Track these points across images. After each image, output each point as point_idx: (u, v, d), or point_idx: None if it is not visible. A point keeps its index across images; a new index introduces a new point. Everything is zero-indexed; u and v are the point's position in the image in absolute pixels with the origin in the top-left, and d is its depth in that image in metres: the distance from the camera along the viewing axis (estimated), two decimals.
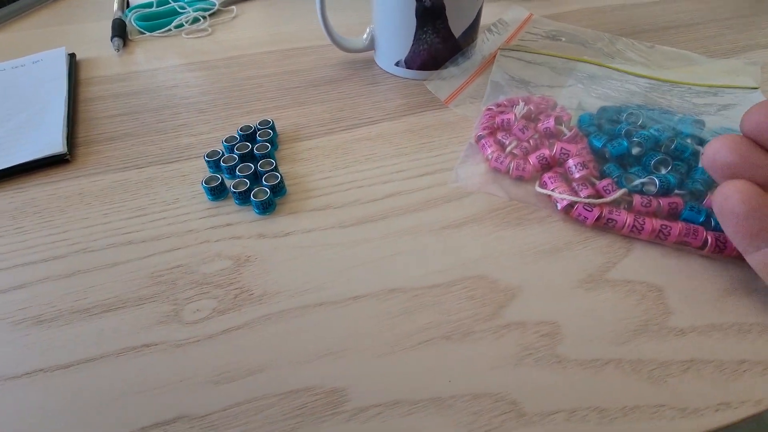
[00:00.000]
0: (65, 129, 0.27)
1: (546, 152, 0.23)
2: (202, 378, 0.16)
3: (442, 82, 0.31)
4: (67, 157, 0.26)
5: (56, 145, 0.26)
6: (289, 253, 0.21)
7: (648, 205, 0.21)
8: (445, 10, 0.29)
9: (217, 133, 0.28)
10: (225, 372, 0.16)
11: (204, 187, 0.23)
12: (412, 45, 0.31)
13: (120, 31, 0.38)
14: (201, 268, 0.20)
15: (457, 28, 0.30)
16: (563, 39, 0.36)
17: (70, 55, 0.35)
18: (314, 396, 0.16)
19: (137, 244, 0.21)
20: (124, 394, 0.16)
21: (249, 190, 0.23)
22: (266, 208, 0.22)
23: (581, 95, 0.28)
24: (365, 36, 0.34)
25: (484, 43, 0.35)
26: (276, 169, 0.24)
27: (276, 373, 0.16)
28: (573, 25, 0.39)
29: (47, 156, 0.25)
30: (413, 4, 0.29)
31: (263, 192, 0.23)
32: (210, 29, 0.40)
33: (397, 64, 0.32)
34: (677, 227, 0.20)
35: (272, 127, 0.27)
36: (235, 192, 0.23)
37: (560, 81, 0.31)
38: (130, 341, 0.17)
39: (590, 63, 0.33)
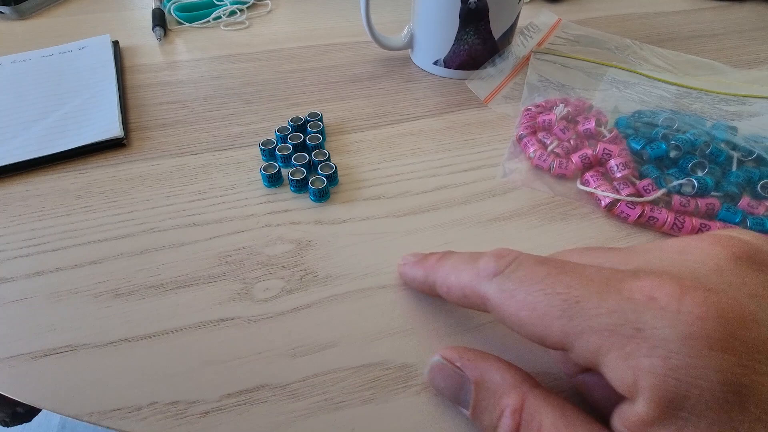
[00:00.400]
0: (120, 114, 0.28)
1: (589, 152, 0.24)
2: (279, 351, 0.17)
3: (481, 82, 0.32)
4: (124, 141, 0.27)
5: (113, 129, 0.27)
6: (347, 239, 0.22)
7: (687, 204, 0.22)
8: (488, 12, 0.30)
9: (265, 123, 0.29)
10: (300, 346, 0.18)
11: (262, 174, 0.24)
12: (453, 45, 0.32)
13: (160, 20, 0.39)
14: (265, 250, 0.21)
15: (497, 30, 0.31)
16: (592, 44, 0.38)
17: (113, 42, 0.36)
18: (386, 370, 0.17)
19: (201, 226, 0.22)
20: (207, 363, 0.17)
21: (306, 179, 0.24)
22: (322, 196, 0.24)
23: (616, 99, 0.30)
24: (404, 34, 0.35)
25: (518, 46, 0.36)
26: (329, 159, 0.25)
27: (348, 349, 0.18)
28: (599, 30, 0.40)
29: (105, 140, 0.26)
30: (458, 6, 0.30)
31: (320, 181, 0.24)
32: (247, 22, 0.41)
33: (435, 63, 0.34)
34: (715, 226, 0.21)
35: (321, 119, 0.28)
36: (292, 180, 0.24)
37: (594, 84, 0.32)
38: (206, 315, 0.19)
39: (620, 68, 0.34)
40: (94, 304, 0.19)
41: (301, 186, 0.24)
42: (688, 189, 0.23)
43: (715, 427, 0.09)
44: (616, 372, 0.10)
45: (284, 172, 0.25)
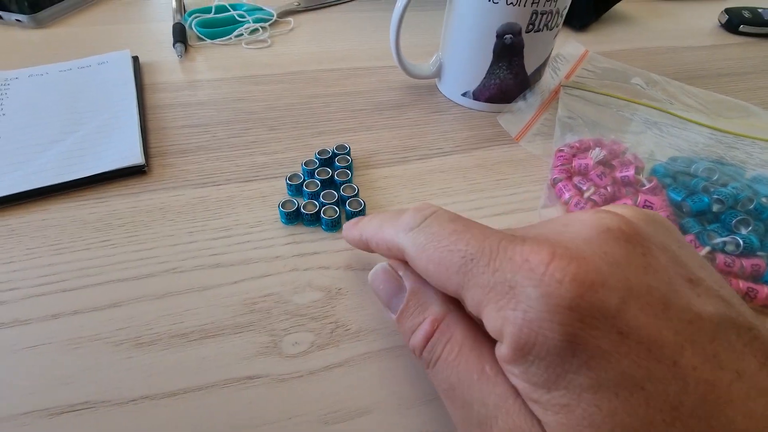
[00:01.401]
0: (140, 138, 0.27)
1: (629, 202, 0.23)
2: (311, 417, 0.16)
3: (512, 117, 0.31)
4: (145, 168, 0.26)
5: (135, 155, 0.26)
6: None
7: (731, 265, 0.21)
8: (523, 48, 0.29)
9: (290, 153, 0.28)
10: (332, 412, 0.17)
11: (280, 211, 0.23)
12: (484, 78, 0.31)
13: (181, 36, 0.38)
14: (294, 298, 0.20)
15: (530, 66, 0.31)
16: (619, 78, 0.37)
17: (133, 57, 0.35)
18: None
19: (226, 267, 0.21)
20: (234, 428, 0.16)
21: (339, 218, 0.23)
22: (334, 225, 0.23)
23: (651, 143, 0.29)
24: (432, 63, 0.34)
25: (547, 78, 0.35)
26: (358, 194, 0.24)
27: (384, 416, 0.17)
28: (626, 64, 0.39)
29: (126, 167, 0.25)
30: (492, 41, 0.29)
31: (333, 210, 0.23)
32: (269, 41, 0.40)
33: (464, 95, 0.33)
34: (764, 290, 0.20)
35: (348, 153, 0.27)
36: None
37: (625, 124, 0.31)
38: (233, 372, 0.17)
39: (652, 107, 0.33)
40: (115, 354, 0.18)
41: (314, 219, 0.23)
42: (732, 247, 0.22)
43: (550, 368, 0.11)
44: (490, 321, 0.12)
45: (312, 209, 0.24)
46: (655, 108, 0.33)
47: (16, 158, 0.26)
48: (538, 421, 0.11)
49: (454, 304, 0.15)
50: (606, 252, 0.12)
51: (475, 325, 0.14)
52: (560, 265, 0.11)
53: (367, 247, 0.18)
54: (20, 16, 0.39)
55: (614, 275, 0.11)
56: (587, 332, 0.11)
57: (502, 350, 0.12)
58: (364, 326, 0.19)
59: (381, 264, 0.17)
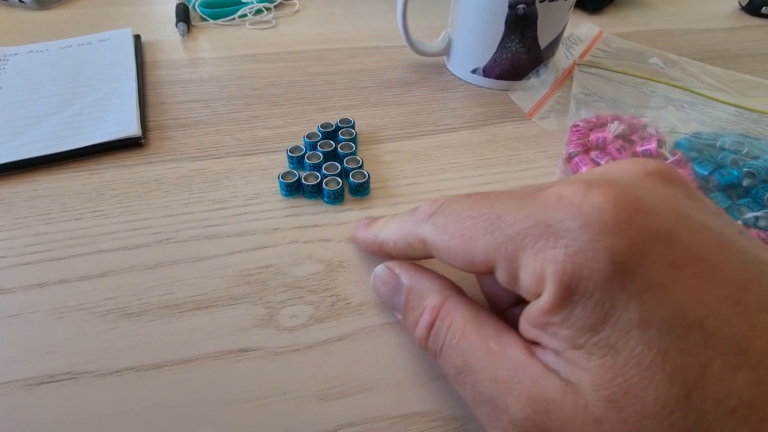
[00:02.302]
0: (138, 111, 0.26)
1: None
2: (307, 392, 0.15)
3: (524, 93, 0.30)
4: (141, 140, 0.25)
5: (131, 127, 0.25)
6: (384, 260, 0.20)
7: (765, 240, 0.20)
8: (537, 19, 0.28)
9: (292, 128, 0.27)
10: (331, 387, 0.15)
11: (280, 182, 0.22)
12: (495, 53, 0.30)
13: (184, 16, 0.37)
14: (292, 270, 0.19)
15: (544, 39, 0.29)
16: (636, 58, 0.35)
17: (135, 36, 0.34)
18: (431, 422, 0.15)
19: (222, 238, 0.20)
20: (224, 403, 0.15)
21: (341, 189, 0.22)
22: (337, 197, 0.22)
23: (674, 118, 0.27)
24: (440, 40, 0.33)
25: (561, 56, 0.34)
26: (362, 167, 0.23)
27: (387, 393, 0.15)
28: (642, 45, 0.38)
29: (122, 138, 0.24)
30: (504, 11, 0.28)
31: (335, 182, 0.22)
32: (274, 21, 0.40)
33: (473, 72, 0.31)
34: None
35: (353, 126, 0.26)
36: (307, 185, 0.22)
37: (644, 101, 0.30)
38: (225, 344, 0.16)
39: (672, 85, 0.32)
40: (100, 324, 0.17)
41: (315, 191, 0.22)
42: (765, 222, 0.20)
43: (598, 306, 0.10)
44: (528, 269, 0.11)
45: (315, 181, 0.23)
46: (675, 86, 0.32)
47: (9, 130, 0.25)
48: (563, 381, 0.10)
49: (453, 290, 0.15)
50: (650, 188, 0.11)
51: (476, 306, 0.14)
52: (599, 192, 0.10)
53: (380, 250, 0.17)
54: None
55: (662, 204, 0.10)
56: (637, 261, 0.09)
57: (541, 302, 0.11)
58: (367, 300, 0.18)
59: (379, 266, 0.17)
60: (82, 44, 0.33)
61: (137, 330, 0.17)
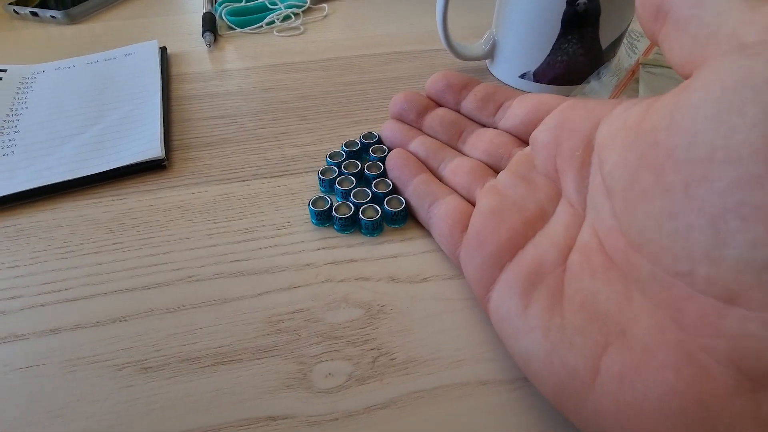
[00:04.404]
0: (162, 131, 0.25)
1: None
2: None
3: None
4: (165, 163, 0.23)
5: (154, 149, 0.23)
6: (431, 305, 0.17)
7: None
8: (599, 16, 0.24)
9: (323, 145, 0.25)
10: None
11: (310, 210, 0.20)
12: (548, 55, 0.26)
13: (211, 25, 0.36)
14: (327, 316, 0.17)
15: (606, 38, 0.26)
16: None
17: (161, 48, 0.33)
18: None
19: (249, 276, 0.18)
20: None
21: (380, 219, 0.19)
22: (375, 228, 0.19)
23: None
24: (483, 42, 0.30)
25: (623, 56, 0.30)
26: (393, 191, 0.20)
27: None
28: None
29: (144, 161, 0.23)
30: (561, 8, 0.24)
31: (373, 210, 0.19)
32: (302, 28, 0.38)
33: (522, 76, 0.28)
34: None
35: (378, 141, 0.23)
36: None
37: None
38: (252, 410, 0.14)
39: None
40: (115, 381, 0.15)
41: (348, 225, 0.19)
42: None
43: None
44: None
45: (348, 209, 0.20)
46: None
47: (33, 153, 0.24)
48: None
49: None
50: None
51: None
52: None
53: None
54: (55, 12, 0.38)
55: None
56: None
57: None
58: (414, 356, 0.15)
59: None
60: (109, 59, 0.32)
61: (155, 389, 0.15)
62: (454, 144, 0.21)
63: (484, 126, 0.21)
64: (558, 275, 0.14)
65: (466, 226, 0.17)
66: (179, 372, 0.15)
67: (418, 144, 0.21)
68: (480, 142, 0.20)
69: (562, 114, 0.16)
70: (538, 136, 0.17)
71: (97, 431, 0.14)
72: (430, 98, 0.23)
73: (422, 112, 0.22)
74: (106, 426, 0.14)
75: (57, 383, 0.15)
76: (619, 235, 0.12)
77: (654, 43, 0.13)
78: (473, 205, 0.18)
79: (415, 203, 0.20)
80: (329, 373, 0.15)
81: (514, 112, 0.19)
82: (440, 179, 0.20)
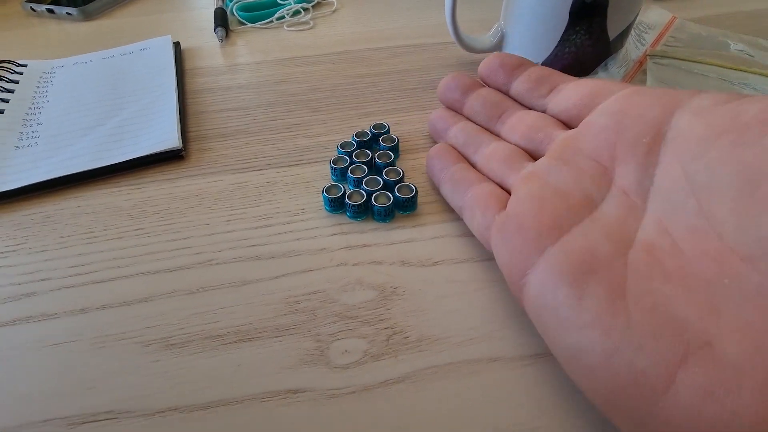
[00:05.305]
0: (178, 122, 0.26)
1: None
2: None
3: None
4: (182, 153, 0.24)
5: (172, 139, 0.24)
6: (443, 288, 0.17)
7: None
8: (607, 6, 0.25)
9: (335, 136, 0.25)
10: None
11: (324, 197, 0.20)
12: (556, 47, 0.27)
13: (222, 21, 0.37)
14: (342, 297, 0.17)
15: (614, 29, 0.26)
16: (718, 46, 0.31)
17: (175, 43, 0.34)
18: None
19: (266, 260, 0.19)
20: None
21: (392, 206, 0.20)
22: (387, 214, 0.20)
23: None
24: (491, 34, 0.30)
25: (631, 47, 0.30)
26: (403, 178, 0.21)
27: None
28: (724, 30, 0.33)
29: (163, 151, 0.24)
30: (569, 0, 0.25)
31: (385, 197, 0.20)
32: (312, 22, 0.38)
33: None
34: None
35: (388, 131, 0.24)
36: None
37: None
38: (273, 383, 0.15)
39: (765, 75, 0.27)
40: (142, 356, 0.16)
41: (361, 212, 0.20)
42: None
43: None
44: None
45: (360, 197, 0.21)
46: None
47: (56, 144, 0.25)
48: None
49: None
50: None
51: None
52: None
53: None
54: (70, 9, 0.39)
55: None
56: None
57: None
58: (426, 334, 0.16)
59: None
60: (124, 54, 0.33)
61: (180, 364, 0.15)
62: (493, 126, 0.21)
63: (529, 109, 0.20)
64: (618, 271, 0.12)
65: (500, 210, 0.16)
66: (203, 348, 0.16)
67: (458, 130, 0.21)
68: (520, 125, 0.19)
69: (627, 99, 0.15)
70: (597, 119, 0.16)
71: (127, 401, 0.14)
72: (482, 79, 0.23)
73: (467, 92, 0.22)
74: (135, 396, 0.15)
75: (87, 358, 0.16)
76: (709, 238, 0.11)
77: None
78: (508, 193, 0.17)
79: (450, 191, 0.19)
80: (345, 350, 0.16)
81: (568, 95, 0.18)
82: (474, 165, 0.20)
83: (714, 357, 0.10)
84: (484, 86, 0.22)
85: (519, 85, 0.21)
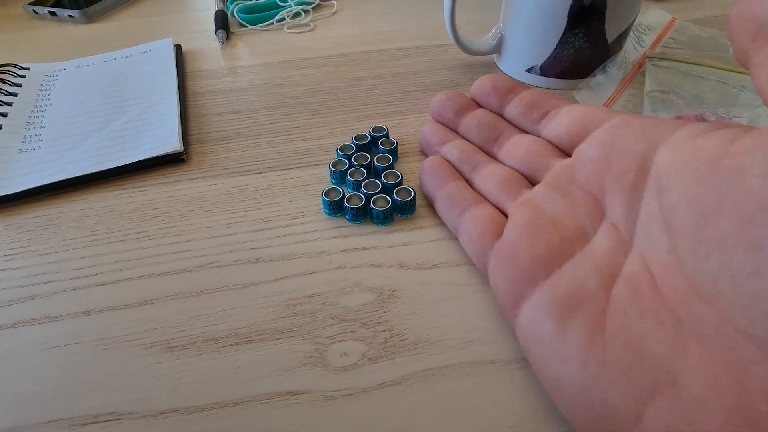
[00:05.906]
0: (180, 125, 0.26)
1: None
2: None
3: (590, 93, 0.27)
4: (183, 156, 0.24)
5: (173, 143, 0.24)
6: (441, 290, 0.18)
7: None
8: (605, 10, 0.25)
9: (335, 138, 0.26)
10: None
11: (323, 200, 0.20)
12: (554, 50, 0.27)
13: (223, 23, 0.37)
14: (341, 299, 0.17)
15: (612, 32, 0.26)
16: (718, 48, 0.31)
17: (176, 46, 0.34)
18: None
19: (266, 262, 0.19)
20: None
21: (390, 209, 0.20)
22: (386, 218, 0.20)
23: None
24: (490, 36, 0.30)
25: (630, 49, 0.30)
26: (402, 182, 0.21)
27: None
28: (724, 31, 0.33)
29: (165, 154, 0.24)
30: (568, 2, 0.25)
31: (384, 200, 0.20)
32: (312, 24, 0.38)
33: (529, 71, 0.29)
34: None
35: (387, 134, 0.24)
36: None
37: (733, 97, 0.26)
38: (272, 385, 0.15)
39: None
40: (144, 358, 0.16)
41: (360, 215, 0.20)
42: None
43: None
44: None
45: (359, 201, 0.21)
46: None
47: (59, 147, 0.25)
48: None
49: None
50: None
51: None
52: None
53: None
54: (72, 12, 0.39)
55: None
56: None
57: None
58: (423, 337, 0.16)
59: None
60: (126, 56, 0.33)
61: (181, 366, 0.16)
62: (489, 148, 0.21)
63: (524, 132, 0.20)
64: (600, 305, 0.13)
65: (497, 235, 0.16)
66: (203, 350, 0.16)
67: (453, 147, 0.21)
68: (517, 149, 0.19)
69: (614, 131, 0.15)
70: (586, 150, 0.16)
71: (129, 402, 0.15)
72: (475, 101, 0.23)
73: (461, 112, 0.22)
74: (138, 397, 0.15)
75: (90, 360, 0.16)
76: (678, 275, 0.11)
77: (742, 64, 0.12)
78: (505, 216, 0.17)
79: (445, 208, 0.19)
80: (344, 353, 0.16)
81: (560, 121, 0.18)
82: (471, 185, 0.20)
83: (680, 394, 0.10)
84: (477, 107, 0.22)
85: (512, 109, 0.21)
